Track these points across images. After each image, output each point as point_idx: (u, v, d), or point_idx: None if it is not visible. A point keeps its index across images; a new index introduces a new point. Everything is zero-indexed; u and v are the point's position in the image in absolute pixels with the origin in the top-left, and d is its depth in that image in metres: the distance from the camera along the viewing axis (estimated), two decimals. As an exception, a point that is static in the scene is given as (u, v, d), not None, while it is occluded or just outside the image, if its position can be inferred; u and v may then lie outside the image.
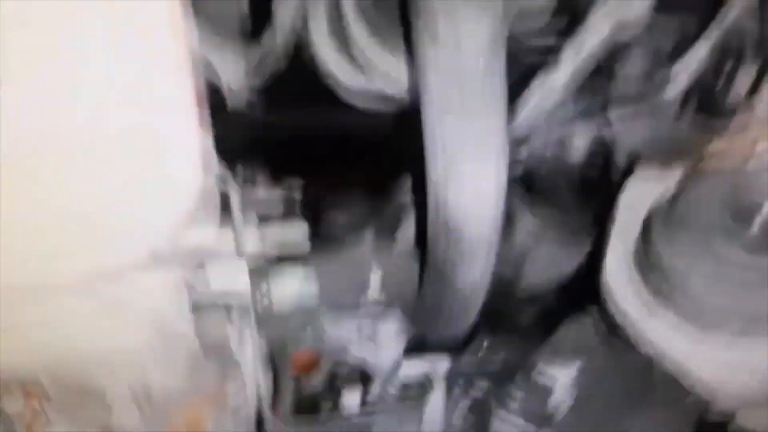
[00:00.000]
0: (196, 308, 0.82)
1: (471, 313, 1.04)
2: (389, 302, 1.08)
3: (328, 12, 1.03)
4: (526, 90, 1.03)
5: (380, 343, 1.10)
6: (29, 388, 0.76)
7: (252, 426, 0.93)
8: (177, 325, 0.80)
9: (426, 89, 0.82)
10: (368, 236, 1.13)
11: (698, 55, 1.09)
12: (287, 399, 1.03)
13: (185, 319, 0.81)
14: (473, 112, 0.82)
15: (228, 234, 0.84)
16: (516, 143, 1.07)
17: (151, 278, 0.77)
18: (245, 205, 0.85)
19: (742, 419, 1.05)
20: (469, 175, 0.85)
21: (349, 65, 1.05)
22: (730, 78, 1.12)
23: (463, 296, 0.99)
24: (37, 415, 0.76)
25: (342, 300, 1.06)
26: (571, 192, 1.21)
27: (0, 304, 0.70)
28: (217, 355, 0.85)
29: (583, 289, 1.13)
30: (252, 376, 0.92)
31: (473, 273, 0.95)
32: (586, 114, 1.12)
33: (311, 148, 1.09)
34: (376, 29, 1.02)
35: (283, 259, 0.99)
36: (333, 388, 1.11)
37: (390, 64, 1.02)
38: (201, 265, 0.82)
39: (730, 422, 1.06)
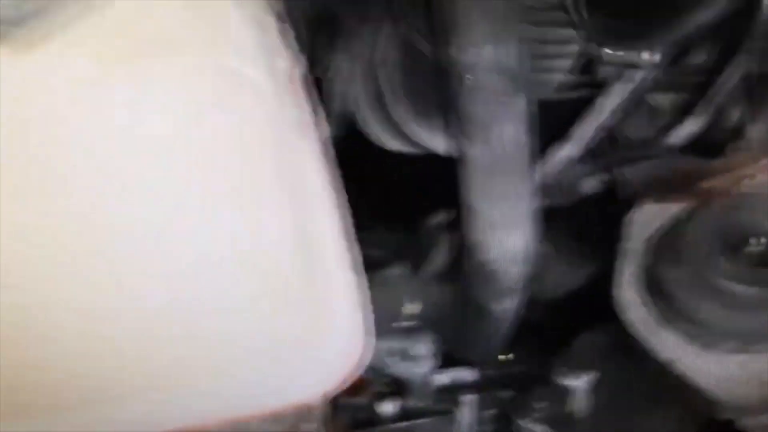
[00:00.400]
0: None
1: (501, 335, 1.14)
2: (422, 327, 1.19)
3: (371, 92, 1.10)
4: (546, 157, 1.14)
5: (414, 361, 1.21)
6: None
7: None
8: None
9: (462, 165, 0.93)
10: (400, 268, 1.25)
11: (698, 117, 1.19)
12: (341, 419, 1.14)
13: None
14: (506, 190, 0.93)
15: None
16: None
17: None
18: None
19: (745, 424, 1.15)
20: (503, 239, 0.96)
21: (392, 136, 1.13)
22: (724, 123, 1.22)
23: (495, 322, 1.10)
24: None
25: (379, 325, 1.16)
26: (578, 222, 1.32)
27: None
28: None
29: (597, 306, 1.21)
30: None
31: (505, 304, 1.06)
32: (595, 167, 1.22)
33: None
34: (414, 107, 1.09)
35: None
36: (373, 401, 1.23)
37: (430, 139, 1.09)
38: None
39: (734, 426, 1.17)
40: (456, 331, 1.15)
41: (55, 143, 0.54)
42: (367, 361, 0.69)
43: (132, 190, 0.56)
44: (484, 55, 0.84)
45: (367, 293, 0.73)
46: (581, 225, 1.33)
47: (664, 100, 1.23)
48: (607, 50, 1.05)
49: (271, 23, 0.66)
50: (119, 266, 0.56)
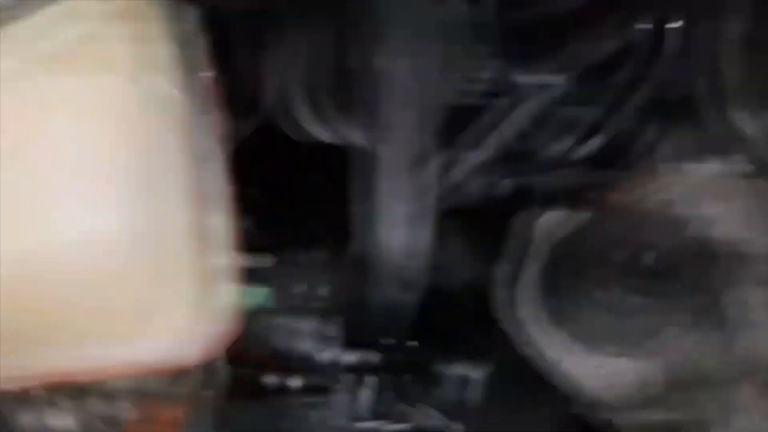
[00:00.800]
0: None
1: (403, 327, 1.23)
2: (332, 309, 1.27)
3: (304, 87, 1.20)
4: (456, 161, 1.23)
5: (323, 341, 1.29)
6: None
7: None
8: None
9: (371, 162, 1.01)
10: (318, 254, 1.33)
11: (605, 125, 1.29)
12: (248, 393, 1.22)
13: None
14: (409, 189, 1.02)
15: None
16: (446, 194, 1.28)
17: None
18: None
19: (617, 420, 1.23)
20: (403, 234, 1.04)
21: (319, 127, 1.23)
22: (634, 135, 1.32)
23: (393, 311, 1.18)
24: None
25: (294, 306, 1.25)
26: (488, 224, 1.41)
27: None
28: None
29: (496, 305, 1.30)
30: (220, 380, 1.07)
31: (404, 296, 1.14)
32: (507, 172, 1.32)
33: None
34: (340, 103, 1.19)
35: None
36: (281, 376, 1.30)
37: (350, 134, 1.19)
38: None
39: (609, 423, 1.25)
40: (359, 316, 1.24)
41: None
42: (233, 334, 0.83)
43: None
44: (398, 64, 0.93)
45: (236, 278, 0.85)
46: (491, 226, 1.43)
47: (576, 114, 1.33)
48: (516, 69, 1.15)
49: (190, 37, 0.76)
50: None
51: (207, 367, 0.99)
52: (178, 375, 0.96)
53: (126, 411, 0.95)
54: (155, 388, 0.96)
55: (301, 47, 1.18)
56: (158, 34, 0.73)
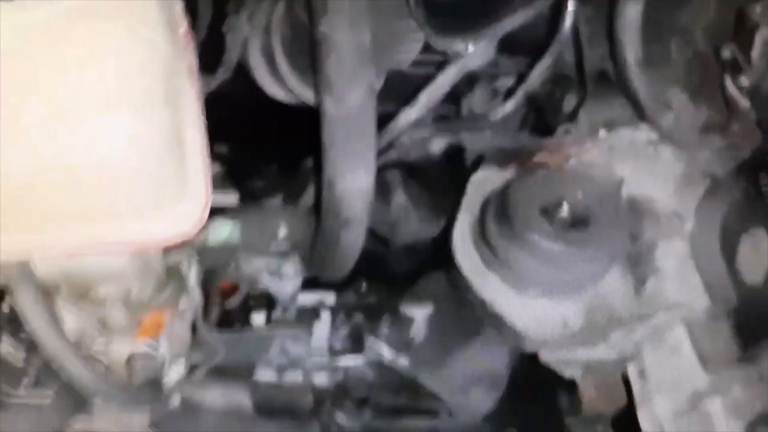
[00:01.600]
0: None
1: (349, 262, 1.36)
2: (291, 249, 1.41)
3: (263, 49, 1.35)
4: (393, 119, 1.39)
5: (283, 278, 1.43)
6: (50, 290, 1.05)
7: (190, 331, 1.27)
8: (152, 256, 1.14)
9: (321, 116, 1.15)
10: (278, 200, 1.47)
11: (529, 87, 1.44)
12: (213, 314, 1.35)
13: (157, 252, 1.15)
14: (352, 139, 1.15)
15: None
16: (386, 147, 1.44)
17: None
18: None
19: (544, 358, 1.36)
20: (349, 178, 1.18)
21: (277, 87, 1.38)
22: (558, 105, 1.46)
23: (343, 249, 1.31)
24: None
25: (257, 245, 1.39)
26: (432, 178, 1.57)
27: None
28: (176, 276, 1.20)
29: (440, 251, 1.44)
30: (194, 295, 1.24)
31: (351, 235, 1.27)
32: (440, 129, 1.48)
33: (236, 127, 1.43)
34: (295, 65, 1.34)
35: (217, 212, 1.32)
36: (246, 310, 1.45)
37: (305, 93, 1.34)
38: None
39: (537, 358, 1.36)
40: (315, 255, 1.38)
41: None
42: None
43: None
44: (342, 32, 1.09)
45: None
46: (435, 183, 1.58)
47: (497, 80, 1.49)
48: (437, 39, 1.31)
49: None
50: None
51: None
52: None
53: (116, 315, 1.12)
54: (141, 296, 1.14)
55: (259, 13, 1.33)
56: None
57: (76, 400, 1.14)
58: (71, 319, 1.08)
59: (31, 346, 1.08)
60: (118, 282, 1.11)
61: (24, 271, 0.92)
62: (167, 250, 1.16)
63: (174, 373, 1.17)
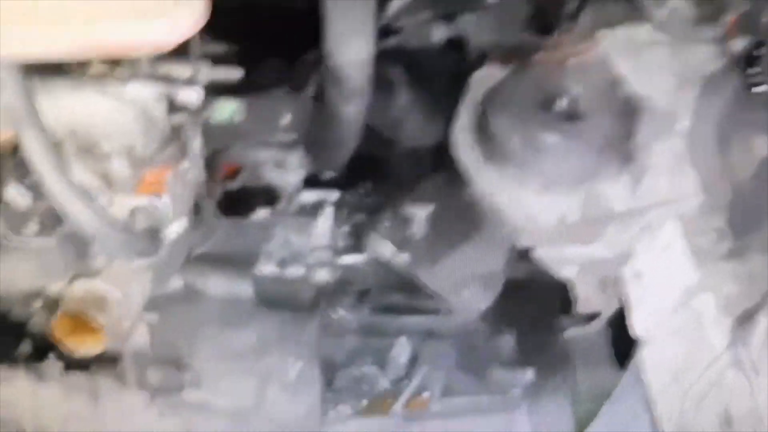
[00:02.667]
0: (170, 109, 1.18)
1: (350, 143, 1.39)
2: (295, 139, 1.44)
3: None
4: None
5: (286, 170, 1.46)
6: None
7: (190, 204, 1.29)
8: (157, 115, 1.16)
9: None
10: (283, 88, 1.49)
11: None
12: (216, 193, 1.40)
13: (162, 112, 1.17)
14: (351, 11, 1.18)
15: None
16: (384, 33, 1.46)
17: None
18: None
19: (540, 256, 1.40)
20: (350, 48, 1.21)
21: None
22: (561, 9, 1.48)
23: (344, 125, 1.34)
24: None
25: (260, 129, 1.42)
26: (434, 77, 1.59)
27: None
28: (179, 137, 1.21)
29: (442, 150, 1.46)
30: (197, 162, 1.26)
31: (351, 107, 1.30)
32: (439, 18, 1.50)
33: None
34: None
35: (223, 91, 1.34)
36: (248, 202, 1.48)
37: None
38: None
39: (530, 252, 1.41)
40: (315, 138, 1.41)
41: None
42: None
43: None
44: None
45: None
46: (437, 83, 1.60)
47: None
48: None
49: None
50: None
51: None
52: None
53: (120, 169, 1.15)
54: (145, 152, 1.17)
55: None
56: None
57: (79, 249, 1.16)
58: (76, 174, 1.09)
59: (37, 193, 1.10)
60: (123, 137, 1.13)
61: (31, 112, 0.94)
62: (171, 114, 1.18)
63: (175, 227, 1.20)
